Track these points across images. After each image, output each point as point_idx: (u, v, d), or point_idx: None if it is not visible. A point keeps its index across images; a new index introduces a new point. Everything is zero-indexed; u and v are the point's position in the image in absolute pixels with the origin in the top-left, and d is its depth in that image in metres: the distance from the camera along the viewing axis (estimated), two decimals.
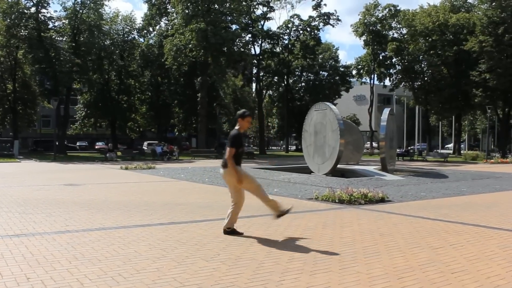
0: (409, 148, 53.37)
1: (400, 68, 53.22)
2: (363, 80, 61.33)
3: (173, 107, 55.16)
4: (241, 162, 6.36)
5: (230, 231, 6.44)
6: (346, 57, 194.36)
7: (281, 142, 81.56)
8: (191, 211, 8.62)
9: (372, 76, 56.04)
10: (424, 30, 47.38)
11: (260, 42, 55.37)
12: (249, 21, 52.94)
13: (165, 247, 5.64)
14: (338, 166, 17.99)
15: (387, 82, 56.09)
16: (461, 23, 45.83)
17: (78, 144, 59.59)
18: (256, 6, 54.07)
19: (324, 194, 10.57)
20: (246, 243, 5.90)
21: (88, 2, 44.17)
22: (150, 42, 53.49)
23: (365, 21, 52.64)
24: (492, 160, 34.64)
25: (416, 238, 6.30)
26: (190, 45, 40.65)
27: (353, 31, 54.07)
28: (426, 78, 51.50)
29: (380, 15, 53.01)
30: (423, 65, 51.76)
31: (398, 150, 34.51)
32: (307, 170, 19.11)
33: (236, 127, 6.37)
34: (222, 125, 72.82)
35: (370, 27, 52.55)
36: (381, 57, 53.83)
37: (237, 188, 6.35)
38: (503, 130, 46.37)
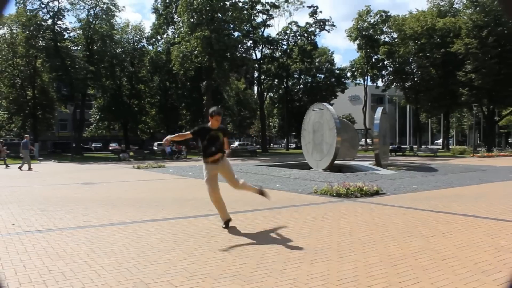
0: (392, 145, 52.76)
1: (391, 69, 53.10)
2: (357, 81, 61.24)
3: (181, 110, 55.16)
4: (209, 157, 6.35)
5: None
6: (341, 60, 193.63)
7: (282, 140, 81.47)
8: (199, 206, 8.63)
9: (366, 77, 55.93)
10: (413, 34, 47.26)
11: (260, 47, 55.33)
12: (250, 28, 52.86)
13: (175, 240, 5.65)
14: (335, 162, 17.98)
15: (379, 83, 56.04)
16: (448, 27, 45.68)
17: (93, 145, 59.65)
18: (257, 14, 54.00)
19: (323, 188, 10.56)
20: (251, 235, 5.90)
21: (101, 13, 44.19)
22: (158, 49, 53.48)
23: (358, 26, 52.51)
24: (478, 154, 34.52)
25: (409, 228, 6.30)
26: (196, 52, 40.64)
27: (347, 36, 53.96)
28: (416, 79, 51.35)
29: (372, 20, 52.84)
30: (413, 67, 51.60)
31: (391, 146, 34.41)
32: (306, 166, 19.11)
33: (208, 124, 6.47)
34: (227, 125, 72.73)
35: (363, 32, 52.41)
36: (373, 60, 53.70)
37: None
38: (488, 126, 46.23)
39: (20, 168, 21.72)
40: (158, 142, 55.54)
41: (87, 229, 6.44)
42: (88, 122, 52.49)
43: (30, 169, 21.54)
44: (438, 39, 46.61)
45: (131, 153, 37.79)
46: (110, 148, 56.92)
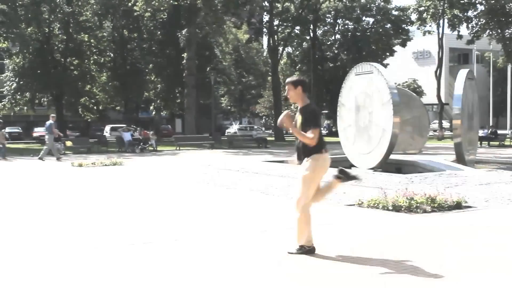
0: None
1: (483, 8, 52.57)
2: (428, 28, 60.70)
3: (147, 74, 55.11)
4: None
5: None
6: None
7: None
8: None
9: (441, 22, 55.50)
10: None
11: None
12: None
13: None
14: (392, 156, 17.94)
15: (463, 30, 55.54)
16: None
17: (7, 130, 59.91)
18: None
19: (372, 198, 10.55)
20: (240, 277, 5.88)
21: None
22: None
23: None
24: None
25: None
26: None
27: None
28: None
29: None
30: None
31: (481, 131, 34.31)
32: (345, 163, 19.05)
33: None
34: (220, 99, 72.80)
35: None
36: None
37: None
38: None
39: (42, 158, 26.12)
40: (111, 126, 55.71)
41: None
42: None
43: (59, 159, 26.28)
44: None
45: (69, 143, 37.95)
46: (34, 134, 57.13)
